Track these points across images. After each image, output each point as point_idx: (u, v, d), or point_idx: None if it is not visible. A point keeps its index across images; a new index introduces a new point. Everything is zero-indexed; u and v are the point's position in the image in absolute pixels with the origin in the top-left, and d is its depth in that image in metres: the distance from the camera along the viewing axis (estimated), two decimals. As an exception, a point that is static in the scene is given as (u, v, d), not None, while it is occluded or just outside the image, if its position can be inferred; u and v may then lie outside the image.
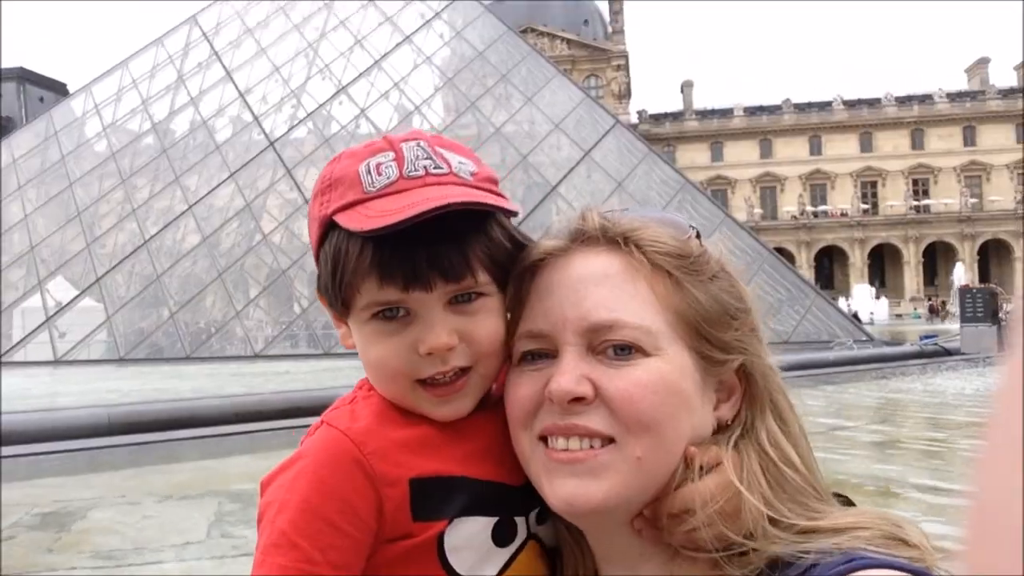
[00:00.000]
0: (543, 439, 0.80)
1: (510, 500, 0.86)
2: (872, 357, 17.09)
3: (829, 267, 68.37)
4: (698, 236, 0.86)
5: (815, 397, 10.85)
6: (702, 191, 34.45)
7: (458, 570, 0.82)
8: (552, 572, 0.88)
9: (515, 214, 0.86)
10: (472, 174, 0.83)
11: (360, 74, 25.71)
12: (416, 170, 0.80)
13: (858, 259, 65.75)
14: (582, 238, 0.84)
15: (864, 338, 20.22)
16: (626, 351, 0.78)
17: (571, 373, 0.77)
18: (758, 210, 66.96)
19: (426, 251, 0.79)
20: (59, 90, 70.94)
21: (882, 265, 67.83)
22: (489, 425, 0.87)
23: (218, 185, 23.72)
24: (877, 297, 47.25)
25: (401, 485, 0.81)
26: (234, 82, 26.00)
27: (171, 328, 21.27)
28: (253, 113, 25.09)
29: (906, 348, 19.13)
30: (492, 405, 0.89)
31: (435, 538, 0.82)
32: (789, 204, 67.93)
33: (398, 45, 26.15)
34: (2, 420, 7.27)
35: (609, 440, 0.76)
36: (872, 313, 42.20)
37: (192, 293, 21.97)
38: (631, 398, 0.75)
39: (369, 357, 0.84)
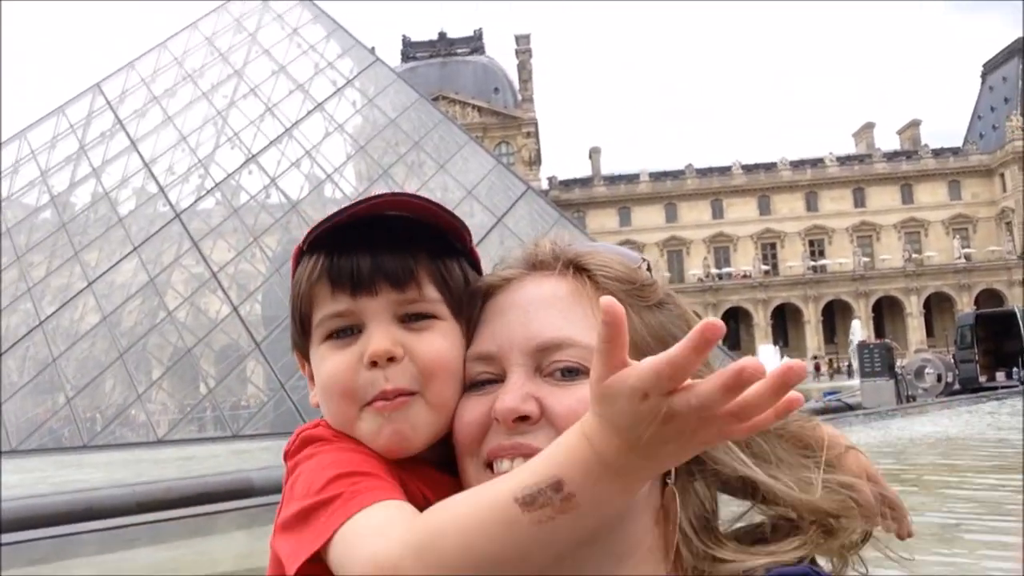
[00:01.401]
0: (489, 466, 0.79)
1: None
2: (779, 415, 17.51)
3: (735, 328, 70.45)
4: (648, 268, 0.87)
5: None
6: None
7: None
8: None
9: (467, 232, 0.88)
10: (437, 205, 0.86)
11: (270, 142, 25.43)
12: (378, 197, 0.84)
13: (762, 319, 68.03)
14: (534, 263, 0.86)
15: (771, 397, 20.72)
16: (572, 373, 0.78)
17: (516, 392, 0.77)
18: (666, 273, 66.66)
19: (371, 255, 0.82)
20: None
21: (784, 325, 70.31)
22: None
23: (120, 260, 22.81)
24: (781, 356, 48.83)
25: None
26: (139, 152, 25.34)
27: (67, 415, 20.11)
28: (159, 184, 24.46)
29: (811, 405, 19.72)
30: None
31: None
32: (695, 267, 70.04)
33: (309, 113, 26.02)
34: None
35: None
36: (777, 371, 43.37)
37: (90, 376, 20.87)
38: (576, 415, 0.71)
39: (320, 376, 0.84)
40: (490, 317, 0.84)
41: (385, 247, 0.83)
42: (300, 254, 0.87)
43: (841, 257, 69.63)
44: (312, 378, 0.87)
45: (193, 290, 22.55)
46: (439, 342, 0.84)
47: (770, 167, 73.63)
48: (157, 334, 22.05)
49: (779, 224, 71.39)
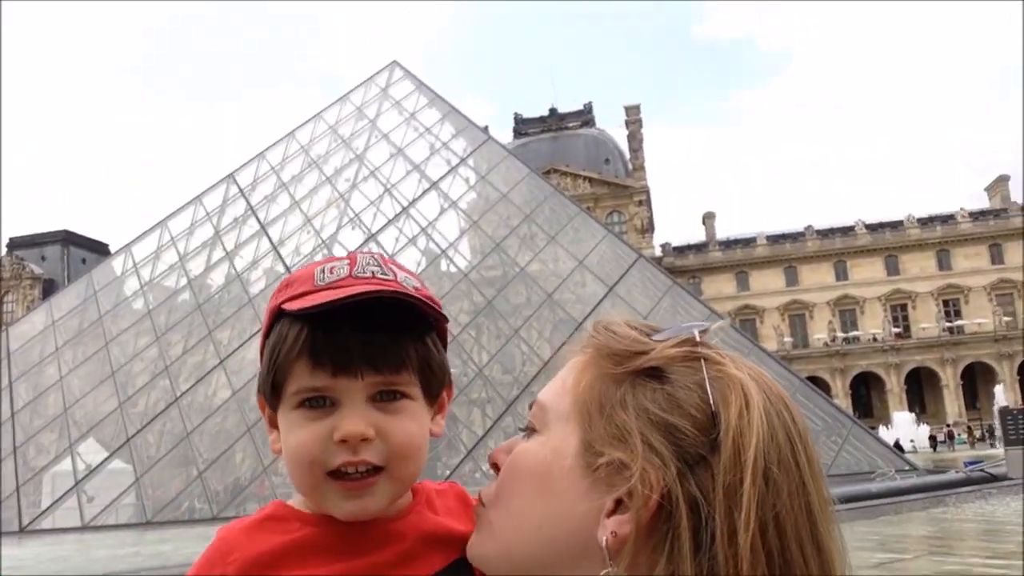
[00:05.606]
0: None
1: None
2: (917, 487, 16.50)
3: (866, 394, 66.92)
4: None
5: (858, 532, 10.46)
6: (728, 321, 34.18)
7: None
8: None
9: (445, 321, 0.91)
10: (416, 288, 0.88)
11: (389, 221, 26.46)
12: (364, 272, 0.87)
13: (895, 384, 64.38)
14: None
15: (907, 467, 19.57)
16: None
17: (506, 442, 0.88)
18: (788, 338, 66.41)
19: (359, 339, 0.84)
20: (101, 251, 73.60)
21: (920, 390, 66.31)
22: (385, 538, 0.88)
23: (250, 337, 23.71)
24: (918, 423, 45.95)
25: None
26: (268, 235, 26.85)
27: (199, 488, 20.82)
28: (285, 265, 25.73)
29: (951, 476, 18.47)
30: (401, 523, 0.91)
31: None
32: (819, 331, 67.33)
33: (425, 192, 26.97)
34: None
35: None
36: (913, 440, 41.00)
37: (221, 450, 21.50)
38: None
39: (289, 444, 0.86)
40: None
41: (369, 330, 0.85)
42: (278, 314, 0.89)
43: (980, 317, 65.40)
44: (272, 423, 0.91)
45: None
46: (410, 425, 0.88)
47: (896, 225, 70.60)
48: (284, 408, 22.81)
49: (910, 284, 68.01)
